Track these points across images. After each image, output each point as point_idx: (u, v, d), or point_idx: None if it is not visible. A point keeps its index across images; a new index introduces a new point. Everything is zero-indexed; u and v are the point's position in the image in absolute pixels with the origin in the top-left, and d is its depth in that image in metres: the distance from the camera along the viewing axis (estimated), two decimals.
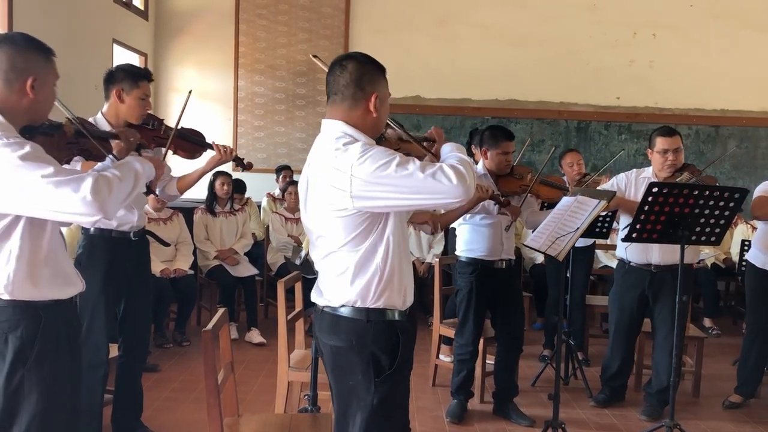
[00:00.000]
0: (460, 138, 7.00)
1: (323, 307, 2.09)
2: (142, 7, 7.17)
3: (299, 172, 6.99)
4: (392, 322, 2.05)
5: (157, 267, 4.93)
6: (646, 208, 3.08)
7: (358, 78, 2.03)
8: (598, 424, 3.87)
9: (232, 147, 3.33)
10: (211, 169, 3.33)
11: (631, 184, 3.92)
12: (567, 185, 3.94)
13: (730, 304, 6.83)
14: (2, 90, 1.97)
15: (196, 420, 3.60)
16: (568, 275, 4.63)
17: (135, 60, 7.10)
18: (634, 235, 3.18)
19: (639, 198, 3.74)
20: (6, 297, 1.97)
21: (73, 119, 2.35)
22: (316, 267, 2.16)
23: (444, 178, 1.89)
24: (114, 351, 3.27)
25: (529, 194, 3.73)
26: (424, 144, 2.55)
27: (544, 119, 7.47)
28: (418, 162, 1.92)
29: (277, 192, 6.64)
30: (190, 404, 3.91)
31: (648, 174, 3.92)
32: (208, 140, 3.34)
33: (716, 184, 3.35)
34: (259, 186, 6.86)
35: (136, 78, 3.06)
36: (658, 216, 3.10)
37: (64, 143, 2.23)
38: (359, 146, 1.94)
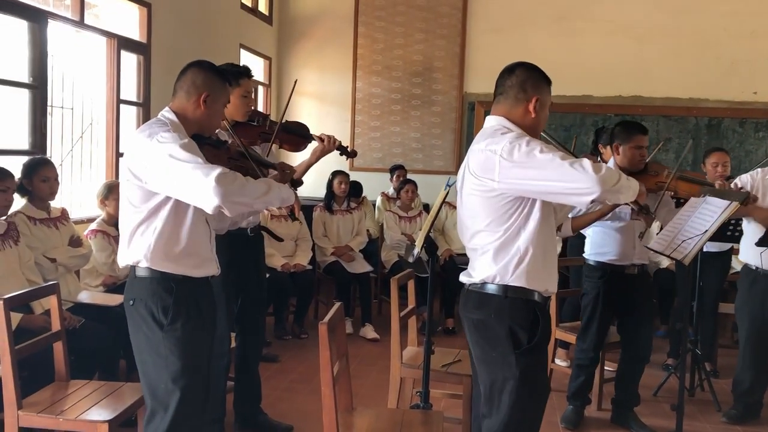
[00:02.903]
0: (581, 137, 6.79)
1: (469, 285, 2.29)
2: (267, 13, 7.50)
3: (413, 171, 7.07)
4: (530, 302, 2.20)
5: (277, 262, 5.14)
6: None
7: (523, 81, 2.25)
8: None
9: (334, 136, 3.35)
10: (316, 161, 3.35)
11: (758, 185, 3.61)
12: (709, 180, 3.66)
13: None
14: (183, 99, 2.39)
15: (313, 410, 3.72)
16: (698, 281, 4.36)
17: (260, 64, 7.43)
18: None
19: (767, 201, 3.49)
20: (145, 264, 2.30)
21: (240, 143, 2.65)
22: (466, 250, 2.34)
23: (579, 167, 2.03)
24: (233, 342, 3.43)
25: (666, 191, 3.50)
26: None
27: (672, 116, 7.08)
28: (561, 152, 2.10)
29: (391, 191, 6.72)
30: (307, 395, 4.05)
31: None
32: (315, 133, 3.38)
33: None
34: (375, 185, 6.96)
35: (237, 77, 3.13)
36: None
37: (226, 158, 2.55)
38: (515, 134, 2.16)
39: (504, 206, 2.17)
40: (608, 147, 4.71)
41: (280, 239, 5.15)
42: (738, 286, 3.85)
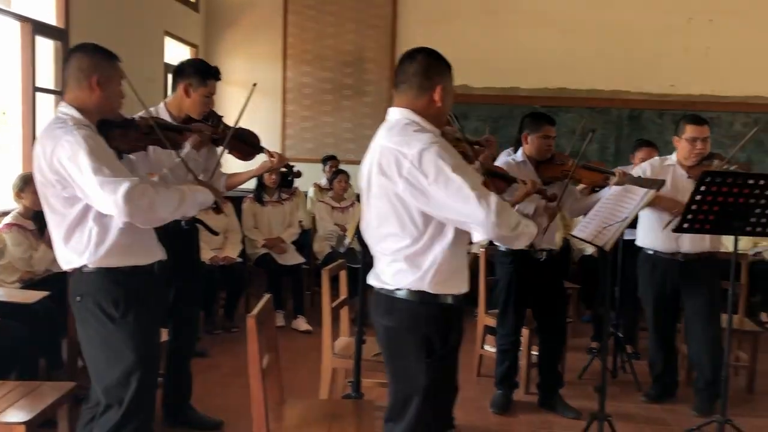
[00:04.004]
0: (509, 128, 6.91)
1: (379, 288, 2.16)
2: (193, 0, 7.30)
3: (346, 162, 7.04)
4: (445, 306, 2.11)
5: (206, 254, 5.04)
6: (699, 197, 2.99)
7: (426, 69, 2.13)
8: (647, 419, 3.79)
9: (284, 155, 3.45)
10: (260, 174, 3.40)
11: (657, 172, 3.80)
12: (610, 169, 3.84)
13: None
14: (75, 89, 2.30)
15: (243, 404, 3.64)
16: (619, 267, 4.52)
17: (186, 52, 7.23)
18: (686, 225, 3.10)
19: (668, 187, 3.67)
20: (91, 266, 2.28)
21: (148, 115, 2.59)
22: (372, 251, 2.23)
23: (485, 205, 1.95)
24: (164, 336, 3.35)
25: (570, 180, 3.65)
26: (475, 147, 2.66)
27: (596, 108, 7.30)
28: (477, 179, 2.02)
29: (323, 182, 6.68)
30: (238, 389, 3.99)
31: (672, 161, 3.84)
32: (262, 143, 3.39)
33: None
34: (306, 176, 6.86)
35: (205, 76, 3.14)
36: (711, 206, 3.01)
37: (140, 134, 2.53)
38: (430, 137, 2.04)
39: (417, 211, 2.04)
40: None
41: (215, 233, 5.06)
42: (639, 273, 4.02)
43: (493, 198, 1.98)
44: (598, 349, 4.64)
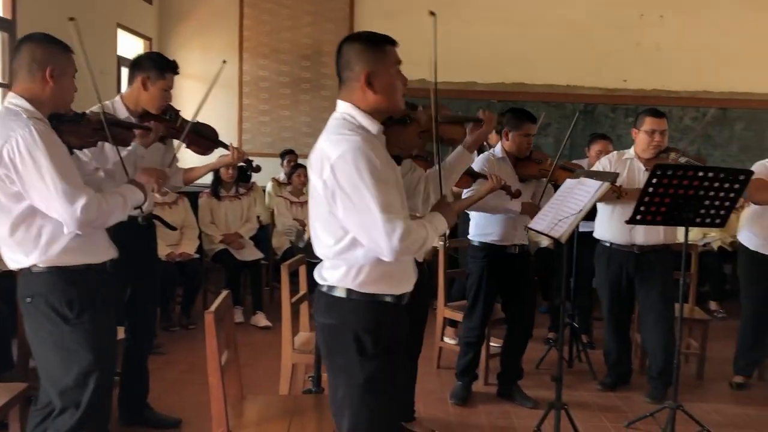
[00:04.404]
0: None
1: (319, 285, 2.10)
2: None
3: (304, 156, 6.95)
4: (378, 303, 2.03)
5: (162, 251, 4.95)
6: (651, 189, 3.07)
7: (347, 60, 2.01)
8: (602, 406, 3.88)
9: (243, 150, 3.44)
10: (217, 168, 3.38)
11: (614, 167, 3.88)
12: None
13: (736, 287, 6.78)
14: (27, 81, 2.23)
15: (202, 401, 3.60)
16: (574, 259, 4.60)
17: (139, 45, 7.08)
18: (638, 217, 3.18)
19: (624, 179, 3.75)
20: (41, 265, 2.22)
21: (100, 110, 2.55)
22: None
23: (390, 230, 1.85)
24: (121, 333, 3.29)
25: (549, 180, 3.68)
26: (470, 126, 2.72)
27: (551, 102, 7.40)
28: (396, 200, 1.91)
29: (281, 176, 6.64)
30: (196, 386, 3.94)
31: (630, 155, 3.92)
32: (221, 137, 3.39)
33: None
34: (264, 170, 6.80)
35: (163, 69, 3.09)
36: (663, 198, 3.09)
37: (90, 130, 2.50)
38: (357, 141, 1.90)
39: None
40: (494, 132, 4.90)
41: (173, 228, 4.97)
42: (596, 264, 4.11)
43: (400, 223, 1.87)
44: (555, 339, 4.72)
